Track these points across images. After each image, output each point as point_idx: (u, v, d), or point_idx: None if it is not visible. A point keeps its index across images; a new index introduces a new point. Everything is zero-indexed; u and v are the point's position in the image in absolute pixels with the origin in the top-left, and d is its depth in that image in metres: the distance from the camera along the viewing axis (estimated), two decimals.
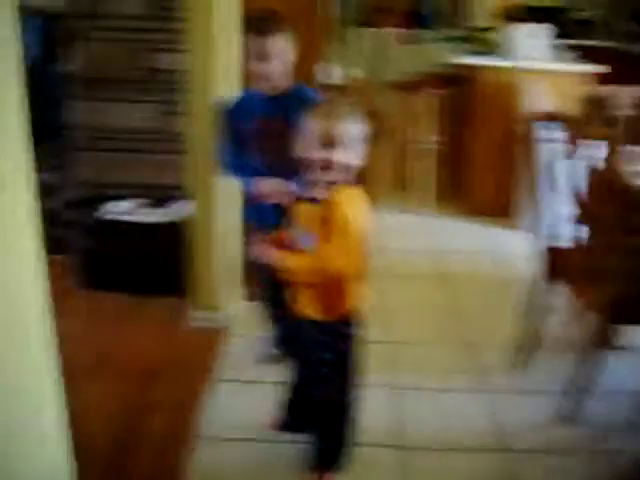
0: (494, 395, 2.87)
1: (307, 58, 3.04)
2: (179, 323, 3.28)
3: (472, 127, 4.83)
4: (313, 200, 2.06)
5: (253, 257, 2.15)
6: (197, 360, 3.02)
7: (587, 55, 5.01)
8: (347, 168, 2.01)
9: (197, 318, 3.26)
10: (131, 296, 3.50)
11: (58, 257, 3.70)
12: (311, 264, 2.03)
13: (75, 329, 3.13)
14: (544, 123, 4.23)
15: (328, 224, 2.00)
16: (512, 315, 3.35)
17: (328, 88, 3.62)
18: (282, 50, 2.42)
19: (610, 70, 4.62)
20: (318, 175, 2.01)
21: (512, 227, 4.75)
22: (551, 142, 2.81)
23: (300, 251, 2.10)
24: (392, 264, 4.02)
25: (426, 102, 4.89)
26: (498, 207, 4.91)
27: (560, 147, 2.71)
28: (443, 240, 4.60)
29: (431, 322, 3.48)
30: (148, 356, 3.03)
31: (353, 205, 2.04)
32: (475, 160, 4.89)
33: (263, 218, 2.59)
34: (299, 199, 2.15)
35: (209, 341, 3.15)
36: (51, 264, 3.65)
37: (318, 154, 1.98)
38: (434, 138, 5.20)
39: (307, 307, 2.17)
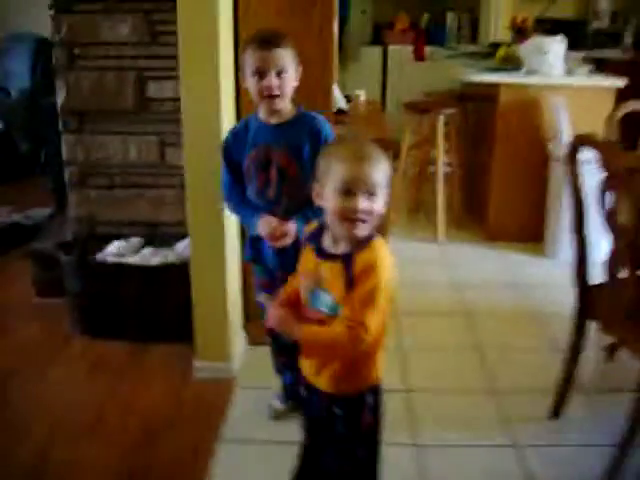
0: (527, 449, 2.56)
1: (318, 81, 2.81)
2: (182, 374, 3.02)
3: (492, 147, 4.57)
4: (332, 256, 1.78)
5: (268, 327, 1.88)
6: (202, 417, 2.76)
7: (604, 68, 4.74)
8: (379, 218, 1.74)
9: (201, 369, 3.00)
10: (131, 343, 3.25)
11: (54, 301, 3.52)
12: (340, 336, 1.73)
13: (73, 381, 3.01)
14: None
15: (359, 286, 1.71)
16: (545, 356, 3.13)
17: (342, 115, 3.33)
18: (286, 66, 2.20)
19: (629, 83, 4.40)
20: (345, 228, 1.73)
21: (538, 254, 4.47)
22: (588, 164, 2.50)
23: (317, 315, 1.82)
24: (408, 299, 3.69)
25: (442, 122, 4.57)
26: (521, 232, 4.65)
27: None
28: (463, 270, 4.27)
29: (453, 366, 3.17)
30: (149, 412, 2.78)
31: (387, 264, 1.75)
32: (496, 182, 4.62)
33: (262, 258, 2.44)
34: (310, 248, 1.86)
35: (214, 395, 2.89)
36: (47, 308, 3.64)
37: (351, 204, 1.69)
38: (450, 160, 4.91)
39: (326, 380, 1.87)
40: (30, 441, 2.57)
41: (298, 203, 2.28)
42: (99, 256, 3.30)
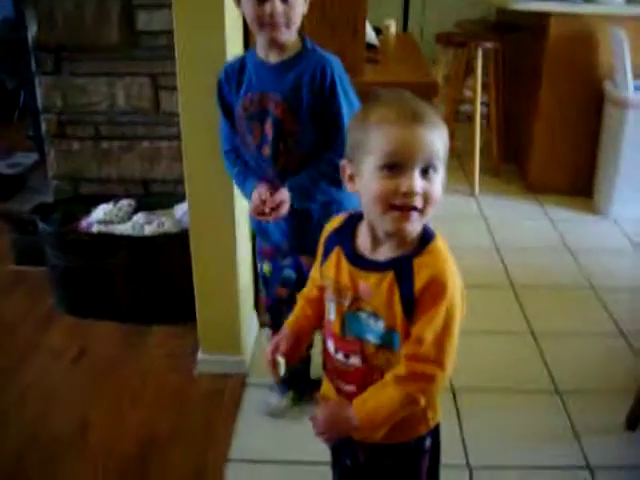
0: (600, 473, 2.08)
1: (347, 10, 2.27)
2: (183, 368, 2.55)
3: (538, 86, 4.01)
4: (376, 265, 1.26)
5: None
6: (205, 425, 2.28)
7: None
8: (437, 206, 1.21)
9: (206, 362, 2.52)
10: (124, 325, 2.78)
11: (35, 270, 3.05)
12: (407, 392, 1.25)
13: (54, 376, 2.55)
14: None
15: (426, 309, 1.22)
16: (609, 343, 2.73)
17: (372, 51, 2.76)
18: None
19: None
20: (392, 221, 1.19)
21: (587, 211, 3.97)
22: None
23: (359, 346, 1.31)
24: None
25: (480, 57, 3.99)
26: (568, 185, 4.15)
27: None
28: (503, 230, 3.73)
29: (500, 356, 2.66)
30: (141, 420, 2.31)
31: (456, 272, 1.24)
32: (541, 126, 4.08)
33: (265, 232, 2.08)
34: (338, 252, 1.33)
35: (221, 396, 2.41)
36: (26, 279, 3.14)
37: (401, 184, 1.16)
38: (488, 99, 4.33)
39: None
40: None
41: (297, 165, 1.90)
42: (83, 223, 2.77)
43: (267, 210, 1.87)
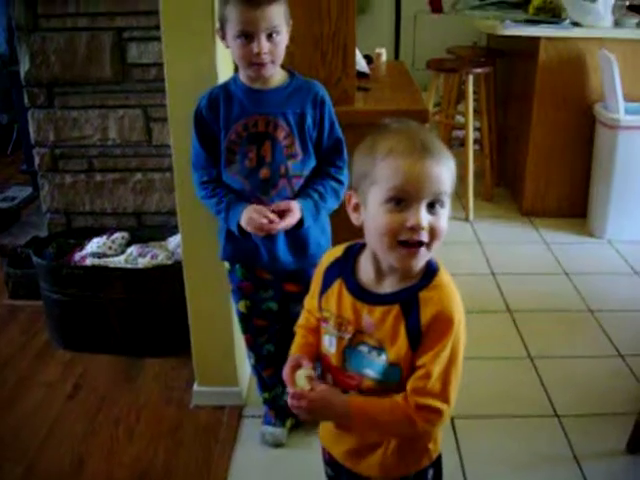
0: None
1: (336, 40, 2.29)
2: (179, 402, 2.52)
3: (530, 110, 4.00)
4: (380, 298, 1.25)
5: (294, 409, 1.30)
6: (202, 457, 2.25)
7: None
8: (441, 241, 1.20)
9: (202, 394, 2.49)
10: (119, 359, 2.76)
11: (30, 304, 3.05)
12: (410, 417, 1.22)
13: (48, 411, 2.51)
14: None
15: (433, 344, 1.20)
16: (610, 365, 2.70)
17: (363, 79, 2.77)
18: (278, 26, 1.78)
19: None
20: (398, 257, 1.18)
21: (582, 232, 3.97)
22: None
23: (358, 381, 1.29)
24: None
25: (471, 82, 4.01)
26: (562, 207, 4.16)
27: None
28: (499, 255, 3.72)
29: (498, 381, 2.64)
30: (139, 452, 2.28)
31: (461, 305, 1.23)
32: (534, 150, 4.06)
33: (248, 257, 2.00)
34: (340, 284, 1.31)
35: (216, 429, 2.38)
36: (21, 313, 3.10)
37: (409, 219, 1.14)
38: (479, 125, 4.34)
39: (374, 466, 1.34)
40: None
41: (293, 188, 1.91)
42: (77, 257, 2.76)
43: (273, 218, 1.82)
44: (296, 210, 1.86)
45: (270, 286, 2.07)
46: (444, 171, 1.16)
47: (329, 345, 1.32)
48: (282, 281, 2.05)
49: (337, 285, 1.31)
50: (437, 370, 1.19)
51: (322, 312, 1.34)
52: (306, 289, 2.01)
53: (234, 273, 2.08)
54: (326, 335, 1.33)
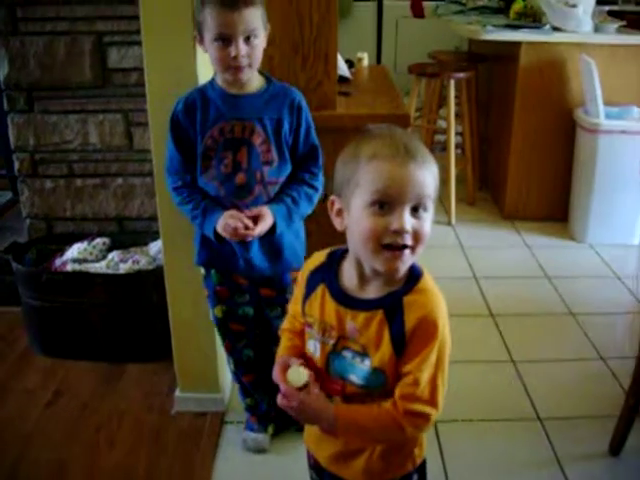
0: None
1: (318, 44, 2.29)
2: (160, 408, 2.49)
3: (511, 114, 4.03)
4: (364, 303, 1.24)
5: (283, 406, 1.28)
6: (183, 463, 2.23)
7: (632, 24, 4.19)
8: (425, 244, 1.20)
9: (184, 400, 2.47)
10: (101, 365, 2.73)
11: (10, 310, 3.04)
12: (398, 423, 1.21)
13: (27, 419, 2.46)
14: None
15: (419, 349, 1.19)
16: (593, 368, 2.72)
17: (344, 84, 2.77)
18: (256, 29, 1.77)
19: None
20: (382, 261, 1.18)
21: (563, 236, 3.99)
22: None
23: (341, 386, 1.28)
24: None
25: (453, 87, 4.02)
26: (543, 211, 4.19)
27: None
28: (481, 259, 3.73)
29: (482, 385, 2.64)
30: (121, 458, 2.26)
31: (445, 309, 1.23)
32: (515, 154, 4.09)
33: (225, 263, 1.99)
34: (322, 289, 1.30)
35: (198, 435, 2.36)
36: (0, 320, 3.08)
37: (392, 223, 1.14)
38: (461, 129, 4.35)
39: (359, 471, 1.34)
40: None
41: (268, 194, 1.91)
42: (58, 262, 2.74)
43: (249, 223, 1.82)
44: (268, 215, 1.85)
45: (246, 291, 2.06)
46: (427, 175, 1.16)
47: (314, 350, 1.32)
48: (257, 286, 2.05)
49: (320, 290, 1.30)
50: (425, 376, 1.19)
51: (306, 317, 1.33)
52: (281, 294, 2.02)
53: (209, 278, 2.07)
54: (310, 340, 1.32)
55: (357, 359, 1.25)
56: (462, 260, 3.69)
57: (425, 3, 6.21)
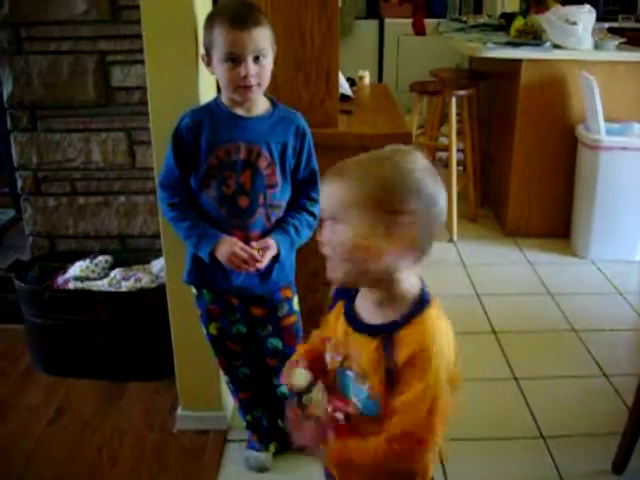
0: None
1: (320, 63, 2.30)
2: (162, 424, 2.49)
3: (512, 131, 4.04)
4: (367, 328, 1.25)
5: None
6: None
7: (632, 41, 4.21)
8: None
9: (186, 418, 2.46)
10: (103, 383, 2.72)
11: (12, 327, 3.03)
12: (383, 450, 1.20)
13: (28, 438, 2.45)
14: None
15: (406, 386, 1.18)
16: (595, 385, 2.69)
17: (346, 102, 2.78)
18: (264, 49, 1.80)
19: None
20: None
21: (565, 253, 3.99)
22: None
23: (346, 406, 1.28)
24: None
25: (454, 104, 4.03)
26: (545, 227, 4.18)
27: None
28: (483, 275, 3.72)
29: (486, 403, 2.62)
30: (122, 477, 2.25)
31: (445, 344, 1.22)
32: (516, 170, 4.09)
33: (217, 284, 1.99)
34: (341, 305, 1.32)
35: (200, 454, 2.35)
36: (3, 337, 3.07)
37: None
38: (463, 146, 4.36)
39: None
40: None
41: (269, 217, 1.92)
42: (60, 280, 2.74)
43: (257, 257, 1.84)
44: (274, 247, 1.87)
45: (237, 310, 2.06)
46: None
47: (329, 362, 1.33)
48: (248, 304, 2.04)
49: (339, 307, 1.32)
50: (414, 413, 1.17)
51: (325, 329, 1.36)
52: (272, 312, 2.02)
53: (201, 298, 2.06)
54: (327, 352, 1.34)
55: (359, 381, 1.25)
56: (464, 277, 3.68)
57: (426, 21, 6.27)
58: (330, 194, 1.18)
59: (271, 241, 1.87)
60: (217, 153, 1.86)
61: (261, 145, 1.86)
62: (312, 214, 1.95)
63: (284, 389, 2.13)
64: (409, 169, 1.17)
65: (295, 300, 2.08)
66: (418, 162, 1.19)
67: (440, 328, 1.21)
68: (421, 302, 1.22)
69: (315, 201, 1.95)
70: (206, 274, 1.97)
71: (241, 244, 1.85)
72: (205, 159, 1.87)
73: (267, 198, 1.89)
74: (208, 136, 1.87)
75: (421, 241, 1.18)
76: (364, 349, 1.22)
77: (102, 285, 2.70)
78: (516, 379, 2.75)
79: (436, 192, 1.18)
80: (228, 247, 1.84)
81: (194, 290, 2.08)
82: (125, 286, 2.68)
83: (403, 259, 1.18)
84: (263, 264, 1.86)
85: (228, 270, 1.92)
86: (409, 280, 1.23)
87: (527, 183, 4.09)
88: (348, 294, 1.31)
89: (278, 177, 1.89)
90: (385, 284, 1.21)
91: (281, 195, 1.92)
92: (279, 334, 2.06)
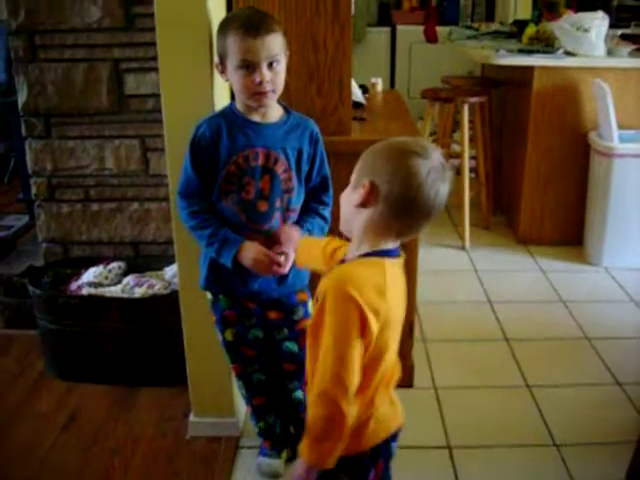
0: None
1: (333, 71, 2.30)
2: (175, 430, 2.50)
3: (525, 138, 4.03)
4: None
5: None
6: None
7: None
8: None
9: (198, 425, 2.46)
10: (116, 389, 2.74)
11: (26, 333, 3.04)
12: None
13: (41, 445, 2.46)
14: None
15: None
16: (609, 394, 2.69)
17: (358, 109, 2.78)
18: (278, 55, 1.82)
19: None
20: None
21: (579, 260, 3.97)
22: None
23: None
24: (434, 320, 3.15)
25: (466, 111, 4.02)
26: (558, 235, 4.17)
27: None
28: (495, 283, 3.70)
29: (497, 413, 2.62)
30: None
31: (344, 291, 1.32)
32: (529, 178, 4.08)
33: (234, 289, 2.01)
34: None
35: (212, 460, 2.36)
36: (17, 342, 3.09)
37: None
38: (475, 154, 4.35)
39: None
40: None
41: (288, 220, 1.96)
42: (73, 286, 2.75)
43: (281, 262, 1.88)
44: (293, 253, 1.90)
45: (253, 314, 2.07)
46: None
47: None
48: (265, 309, 2.06)
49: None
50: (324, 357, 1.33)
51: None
52: (287, 316, 2.04)
53: (217, 303, 2.07)
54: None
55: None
56: (476, 284, 3.67)
57: (438, 28, 6.26)
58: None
59: (297, 234, 1.90)
60: (236, 159, 1.88)
61: (278, 151, 1.89)
62: (324, 218, 1.99)
63: (299, 394, 2.14)
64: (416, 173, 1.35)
65: (310, 303, 2.08)
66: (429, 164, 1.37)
67: (359, 274, 1.33)
68: (366, 255, 1.36)
69: (327, 205, 1.99)
70: (223, 280, 1.99)
71: (264, 250, 1.88)
72: (224, 166, 1.89)
73: (284, 202, 1.92)
74: (227, 143, 1.88)
75: (388, 218, 1.35)
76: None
77: (115, 291, 2.71)
78: (529, 386, 2.74)
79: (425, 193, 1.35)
80: (252, 253, 1.87)
81: (209, 296, 2.09)
82: (138, 292, 2.68)
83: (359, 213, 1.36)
84: (286, 269, 1.89)
85: (246, 275, 1.94)
86: (372, 241, 1.37)
87: (540, 191, 4.07)
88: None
89: (294, 182, 1.92)
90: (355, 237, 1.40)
91: (297, 199, 1.95)
92: (295, 337, 2.07)
